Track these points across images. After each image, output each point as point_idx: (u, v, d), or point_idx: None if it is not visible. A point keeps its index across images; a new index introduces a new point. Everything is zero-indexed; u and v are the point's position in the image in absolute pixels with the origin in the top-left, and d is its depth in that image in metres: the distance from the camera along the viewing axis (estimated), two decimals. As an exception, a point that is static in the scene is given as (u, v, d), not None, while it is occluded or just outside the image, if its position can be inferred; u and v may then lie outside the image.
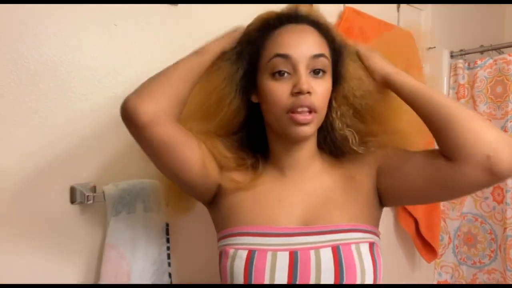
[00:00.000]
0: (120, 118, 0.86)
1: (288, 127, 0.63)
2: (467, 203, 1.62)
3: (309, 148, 0.70)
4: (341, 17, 1.24)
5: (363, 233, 0.65)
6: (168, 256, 0.87)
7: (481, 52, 1.67)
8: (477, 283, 1.61)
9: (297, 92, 0.61)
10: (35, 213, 0.76)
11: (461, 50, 1.67)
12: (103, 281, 0.78)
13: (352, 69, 0.70)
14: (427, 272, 1.63)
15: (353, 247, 0.62)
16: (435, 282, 1.66)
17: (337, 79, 0.69)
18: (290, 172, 0.70)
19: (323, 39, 0.66)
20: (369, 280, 0.62)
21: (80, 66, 0.80)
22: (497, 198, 1.54)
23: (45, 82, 0.77)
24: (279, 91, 0.63)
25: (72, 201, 0.79)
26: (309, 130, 0.64)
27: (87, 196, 0.77)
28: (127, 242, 0.81)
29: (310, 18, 0.68)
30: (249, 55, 0.67)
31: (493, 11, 2.02)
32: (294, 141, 0.67)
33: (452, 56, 1.69)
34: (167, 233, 0.87)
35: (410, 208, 1.42)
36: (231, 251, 0.63)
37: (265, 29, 0.67)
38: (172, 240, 0.88)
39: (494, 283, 1.55)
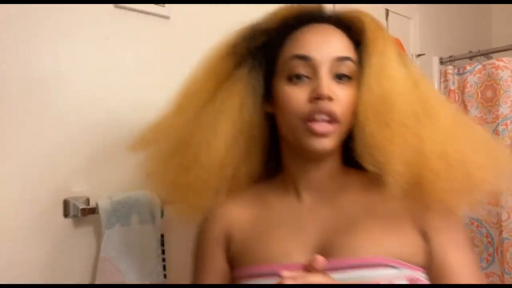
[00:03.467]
0: (113, 131, 0.86)
1: (304, 138, 0.54)
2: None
3: (331, 166, 0.59)
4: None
5: (400, 268, 0.51)
6: (164, 268, 0.87)
7: (470, 58, 1.70)
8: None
9: (316, 98, 0.53)
10: (28, 227, 0.76)
11: (450, 56, 1.70)
12: (98, 294, 0.77)
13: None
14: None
15: None
16: None
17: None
18: (306, 195, 0.59)
19: (350, 41, 0.57)
20: None
21: (73, 79, 0.81)
22: (492, 201, 1.55)
23: (38, 95, 0.77)
24: (295, 96, 0.54)
25: (66, 214, 0.79)
26: (328, 143, 0.54)
27: (81, 209, 0.77)
28: (121, 255, 0.80)
29: (337, 18, 0.60)
30: (266, 58, 0.59)
31: (481, 17, 2.06)
32: (312, 158, 0.58)
33: (441, 63, 1.72)
34: (162, 244, 0.87)
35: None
36: None
37: (283, 28, 0.59)
38: (167, 252, 0.88)
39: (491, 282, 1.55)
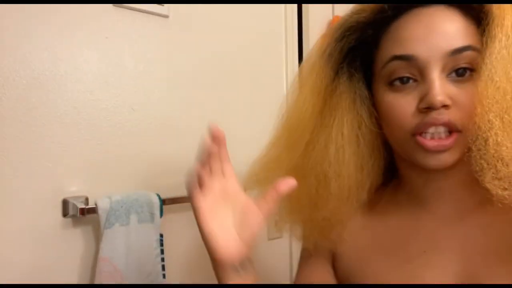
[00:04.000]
0: (112, 131, 0.86)
1: (415, 154, 0.44)
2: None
3: (461, 173, 0.45)
4: (330, 26, 1.26)
5: None
6: (163, 268, 0.87)
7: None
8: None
9: (426, 108, 0.42)
10: (27, 227, 0.76)
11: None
12: (97, 294, 0.77)
13: None
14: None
15: None
16: None
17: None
18: (435, 206, 0.47)
19: (470, 23, 0.43)
20: None
21: (72, 80, 0.81)
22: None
23: (37, 96, 0.77)
24: (400, 107, 0.44)
25: (65, 214, 0.78)
26: (448, 158, 0.42)
27: (80, 209, 0.77)
28: (120, 255, 0.80)
29: None
30: (362, 59, 0.50)
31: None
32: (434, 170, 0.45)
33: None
34: (161, 244, 0.87)
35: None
36: None
37: (379, 21, 0.47)
38: (166, 251, 0.88)
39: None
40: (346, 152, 0.50)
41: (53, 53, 0.79)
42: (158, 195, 0.86)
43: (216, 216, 0.44)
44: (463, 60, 0.43)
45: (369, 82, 0.51)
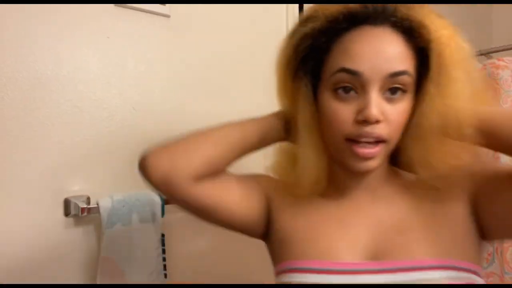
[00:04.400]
0: (114, 130, 0.86)
1: (347, 158, 0.52)
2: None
3: (381, 169, 0.57)
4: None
5: (457, 271, 0.48)
6: (164, 267, 0.87)
7: (471, 57, 1.69)
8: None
9: (362, 120, 0.49)
10: (29, 226, 0.76)
11: (451, 56, 1.70)
12: (99, 294, 0.77)
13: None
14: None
15: None
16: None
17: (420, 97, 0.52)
18: (354, 193, 0.57)
19: (408, 48, 0.50)
20: None
21: (74, 80, 0.81)
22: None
23: (40, 96, 0.77)
24: (341, 114, 0.50)
25: (67, 213, 0.79)
26: (373, 164, 0.51)
27: (82, 208, 0.77)
28: (122, 254, 0.80)
29: (394, 18, 0.50)
30: (312, 63, 0.54)
31: (481, 17, 2.06)
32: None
33: (442, 62, 1.71)
34: (163, 243, 0.87)
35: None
36: None
37: (331, 31, 0.51)
38: (168, 251, 0.88)
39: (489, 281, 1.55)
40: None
41: (55, 53, 0.79)
42: (160, 195, 0.86)
43: None
44: (398, 82, 0.49)
45: (314, 86, 0.56)
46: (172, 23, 0.94)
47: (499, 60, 1.55)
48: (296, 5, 1.16)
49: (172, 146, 0.58)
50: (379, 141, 0.50)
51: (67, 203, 0.79)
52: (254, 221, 0.61)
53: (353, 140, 0.50)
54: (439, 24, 0.51)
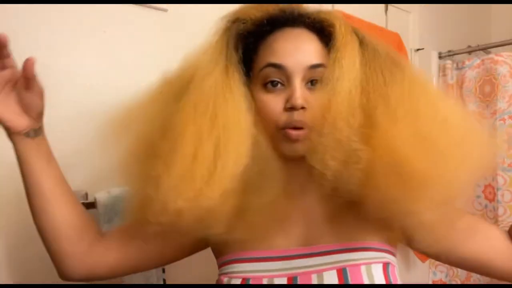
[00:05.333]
0: (111, 124, 0.86)
1: (281, 143, 0.56)
2: (460, 201, 1.64)
3: (305, 164, 0.57)
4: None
5: (375, 251, 0.57)
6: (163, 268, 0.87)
7: (469, 53, 1.70)
8: (472, 281, 1.62)
9: (290, 108, 0.54)
10: (26, 222, 0.75)
11: (449, 51, 1.70)
12: (97, 289, 0.77)
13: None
14: (422, 271, 1.64)
15: (363, 268, 0.55)
16: (430, 281, 1.67)
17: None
18: (288, 188, 0.59)
19: (322, 45, 0.58)
20: None
21: (71, 74, 0.80)
22: (489, 196, 1.56)
23: (35, 90, 0.76)
24: (271, 105, 0.56)
25: (64, 209, 0.78)
26: (301, 147, 0.55)
27: (79, 203, 0.77)
28: (120, 249, 0.80)
29: (309, 20, 0.59)
30: (244, 63, 0.59)
31: (480, 12, 2.06)
32: (290, 158, 0.58)
33: (440, 57, 1.71)
34: (161, 239, 0.87)
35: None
36: (225, 279, 0.59)
37: (258, 32, 0.59)
38: (166, 246, 0.88)
39: (488, 281, 1.56)
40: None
41: (51, 47, 0.78)
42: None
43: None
44: (316, 74, 0.55)
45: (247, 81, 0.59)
46: (169, 17, 0.93)
47: (497, 55, 1.55)
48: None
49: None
50: (304, 126, 0.54)
51: (64, 198, 0.78)
52: (190, 250, 0.65)
53: (284, 128, 0.55)
54: (343, 25, 0.58)
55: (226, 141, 0.52)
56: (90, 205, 0.78)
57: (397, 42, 1.46)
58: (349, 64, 0.55)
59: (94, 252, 0.60)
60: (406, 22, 1.59)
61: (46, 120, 0.78)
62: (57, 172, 0.61)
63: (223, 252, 0.62)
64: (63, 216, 0.58)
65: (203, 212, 0.50)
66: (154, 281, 0.84)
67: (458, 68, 1.68)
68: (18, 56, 0.75)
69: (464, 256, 0.60)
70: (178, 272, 0.94)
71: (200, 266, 0.96)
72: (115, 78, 0.86)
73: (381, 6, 1.48)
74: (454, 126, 0.53)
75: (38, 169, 0.58)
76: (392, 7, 1.51)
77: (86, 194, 0.80)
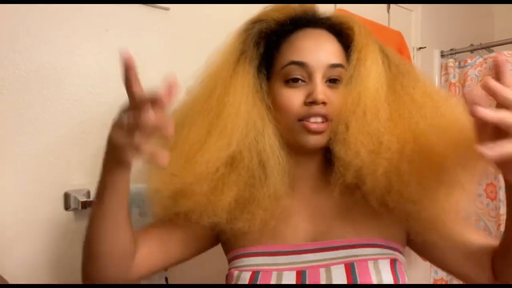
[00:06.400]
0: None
1: (300, 135, 0.59)
2: (461, 200, 1.63)
3: (319, 160, 0.64)
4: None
5: (382, 248, 0.58)
6: (164, 261, 0.87)
7: (471, 51, 1.69)
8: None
9: (311, 102, 0.57)
10: (29, 220, 0.76)
11: (451, 50, 1.69)
12: None
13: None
14: (423, 270, 1.64)
15: (370, 263, 0.56)
16: (431, 280, 1.67)
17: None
18: (299, 184, 0.63)
19: (340, 47, 0.62)
20: None
21: (72, 73, 0.80)
22: (491, 195, 1.56)
23: (38, 89, 0.77)
24: (292, 98, 0.58)
25: (66, 207, 0.79)
26: (321, 139, 0.59)
27: (82, 202, 0.77)
28: (122, 248, 0.80)
29: (329, 22, 0.63)
30: (265, 60, 0.63)
31: (483, 11, 2.04)
32: (306, 152, 0.62)
33: (442, 56, 1.71)
34: (163, 237, 0.87)
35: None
36: (236, 273, 0.60)
37: (280, 31, 0.62)
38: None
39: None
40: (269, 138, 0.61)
41: (53, 46, 0.78)
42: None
43: None
44: (335, 73, 0.59)
45: (267, 79, 0.62)
46: (171, 16, 0.93)
47: (500, 54, 1.55)
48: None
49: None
50: (325, 120, 0.58)
51: (67, 197, 0.79)
52: (210, 241, 0.66)
53: (304, 119, 0.58)
54: (362, 28, 0.62)
55: (216, 128, 0.57)
56: (92, 203, 0.78)
57: (400, 40, 1.45)
58: (372, 63, 0.59)
59: (137, 259, 0.59)
60: (409, 20, 1.58)
61: (48, 119, 0.78)
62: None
63: (233, 247, 0.63)
64: (122, 240, 0.57)
65: (183, 193, 0.56)
66: (156, 279, 0.85)
67: (460, 67, 1.67)
68: (20, 55, 0.75)
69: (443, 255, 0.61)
70: (181, 270, 0.94)
71: (203, 265, 0.96)
72: (117, 77, 0.86)
73: (384, 5, 1.47)
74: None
75: (123, 195, 0.56)
76: (394, 5, 1.50)
77: (88, 192, 0.81)
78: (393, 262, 0.57)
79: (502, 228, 1.48)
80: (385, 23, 1.45)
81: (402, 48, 1.44)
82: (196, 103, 0.62)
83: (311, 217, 0.62)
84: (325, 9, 1.26)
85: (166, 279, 0.87)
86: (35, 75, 0.76)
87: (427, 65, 1.64)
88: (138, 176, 0.88)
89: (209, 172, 0.56)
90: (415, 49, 1.60)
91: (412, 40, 1.59)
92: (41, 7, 0.76)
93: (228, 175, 0.58)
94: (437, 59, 1.69)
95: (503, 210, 1.49)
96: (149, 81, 0.95)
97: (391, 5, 1.48)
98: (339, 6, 1.27)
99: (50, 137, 0.78)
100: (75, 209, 0.79)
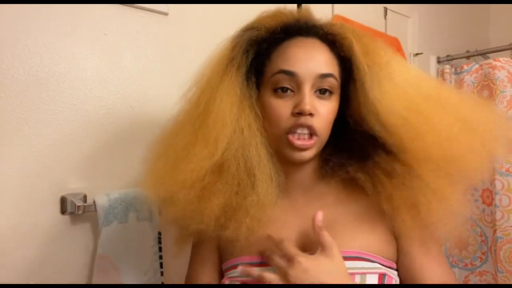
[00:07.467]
0: (111, 128, 0.86)
1: (285, 149, 0.58)
2: (458, 206, 1.64)
3: (312, 169, 0.64)
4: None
5: (371, 263, 0.57)
6: (161, 265, 0.87)
7: (467, 58, 1.70)
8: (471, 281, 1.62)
9: (298, 113, 0.56)
10: (26, 224, 0.76)
11: (447, 56, 1.71)
12: (95, 292, 0.77)
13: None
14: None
15: (357, 278, 0.55)
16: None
17: (345, 100, 0.62)
18: (290, 193, 0.63)
19: (333, 57, 0.60)
20: None
21: (71, 77, 0.80)
22: (486, 201, 1.56)
23: (36, 93, 0.77)
24: (280, 109, 0.57)
25: (63, 211, 0.78)
26: (307, 154, 0.58)
27: (78, 206, 0.77)
28: (119, 252, 0.80)
29: (322, 31, 0.61)
30: (256, 68, 0.61)
31: (479, 17, 2.07)
32: (294, 163, 0.61)
33: (439, 62, 1.72)
34: (160, 242, 0.87)
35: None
36: (226, 282, 0.61)
37: (272, 39, 0.61)
38: (164, 249, 0.88)
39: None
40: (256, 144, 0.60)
41: (52, 50, 0.78)
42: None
43: None
44: (326, 83, 0.58)
45: (257, 86, 0.62)
46: (170, 21, 0.94)
47: (495, 60, 1.56)
48: (295, 5, 1.16)
49: None
50: (312, 134, 0.57)
51: (63, 201, 0.78)
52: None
53: (290, 132, 0.57)
54: (359, 34, 0.61)
55: (201, 137, 0.57)
56: (89, 208, 0.78)
57: (396, 46, 1.46)
58: (382, 65, 0.59)
59: None
60: (405, 27, 1.60)
61: (46, 123, 0.78)
62: None
63: (224, 259, 0.64)
64: None
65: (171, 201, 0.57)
66: (151, 275, 0.84)
67: (456, 73, 1.68)
68: (19, 59, 0.75)
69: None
70: (180, 270, 0.94)
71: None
72: (115, 81, 0.86)
73: (381, 10, 1.48)
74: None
75: None
76: (391, 12, 1.51)
77: (85, 197, 0.81)
78: (382, 276, 0.56)
79: (498, 233, 1.49)
80: (382, 29, 1.46)
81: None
82: (185, 111, 0.63)
83: (301, 227, 0.61)
84: (323, 10, 1.28)
85: (159, 233, 0.87)
86: (34, 78, 0.76)
87: (423, 71, 1.65)
88: (135, 181, 0.88)
89: (195, 180, 0.56)
90: (411, 55, 1.61)
91: (409, 46, 1.61)
92: (40, 11, 0.77)
93: (215, 183, 0.57)
94: (433, 65, 1.71)
95: (499, 215, 1.50)
96: (148, 85, 0.95)
97: (388, 11, 1.50)
98: (336, 10, 1.28)
99: (47, 140, 0.78)
100: (71, 213, 0.78)
